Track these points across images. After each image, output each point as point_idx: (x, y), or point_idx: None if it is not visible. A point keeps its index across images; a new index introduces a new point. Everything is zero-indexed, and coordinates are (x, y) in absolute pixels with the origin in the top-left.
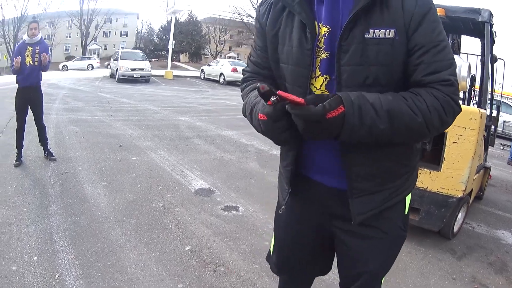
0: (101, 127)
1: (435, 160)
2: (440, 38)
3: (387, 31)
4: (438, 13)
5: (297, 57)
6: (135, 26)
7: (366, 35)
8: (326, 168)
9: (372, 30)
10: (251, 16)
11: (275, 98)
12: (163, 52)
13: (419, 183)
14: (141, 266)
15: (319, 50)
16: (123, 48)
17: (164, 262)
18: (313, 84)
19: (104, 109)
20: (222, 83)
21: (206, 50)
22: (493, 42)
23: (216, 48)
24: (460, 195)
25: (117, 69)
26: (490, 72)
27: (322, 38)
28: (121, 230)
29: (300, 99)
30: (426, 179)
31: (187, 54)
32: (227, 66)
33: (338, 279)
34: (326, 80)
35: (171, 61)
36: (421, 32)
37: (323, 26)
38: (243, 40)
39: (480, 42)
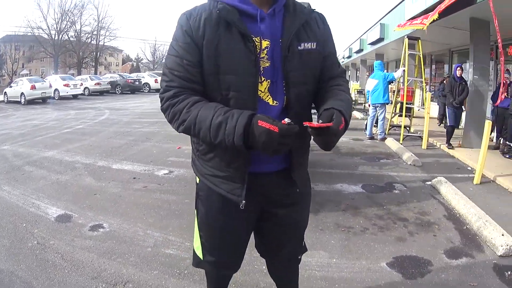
0: None
1: None
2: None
3: (311, 44)
4: None
5: (244, 68)
6: None
7: (299, 47)
8: (276, 158)
9: (303, 44)
10: (41, 28)
11: (290, 121)
12: None
13: None
14: None
15: (261, 60)
16: None
17: None
18: (258, 89)
19: None
20: (24, 103)
21: (3, 71)
22: None
23: (12, 67)
24: None
25: None
26: None
27: (264, 50)
28: (21, 280)
29: (329, 124)
30: None
31: None
32: (26, 84)
33: None
34: (269, 83)
35: None
36: (329, 44)
37: (264, 40)
38: (34, 54)
39: None
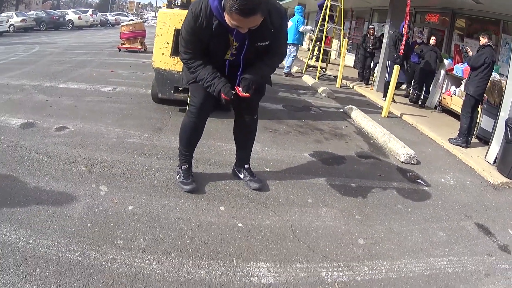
0: None
1: None
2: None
3: (265, 42)
4: None
5: (221, 48)
6: None
7: (256, 45)
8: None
9: (259, 43)
10: None
11: (234, 93)
12: None
13: None
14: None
15: (232, 46)
16: None
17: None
18: (226, 56)
19: None
20: None
21: None
22: None
23: None
24: None
25: None
26: None
27: (234, 45)
28: None
29: (248, 95)
30: None
31: None
32: None
33: None
34: (233, 55)
35: None
36: (276, 39)
37: (235, 42)
38: None
39: None
